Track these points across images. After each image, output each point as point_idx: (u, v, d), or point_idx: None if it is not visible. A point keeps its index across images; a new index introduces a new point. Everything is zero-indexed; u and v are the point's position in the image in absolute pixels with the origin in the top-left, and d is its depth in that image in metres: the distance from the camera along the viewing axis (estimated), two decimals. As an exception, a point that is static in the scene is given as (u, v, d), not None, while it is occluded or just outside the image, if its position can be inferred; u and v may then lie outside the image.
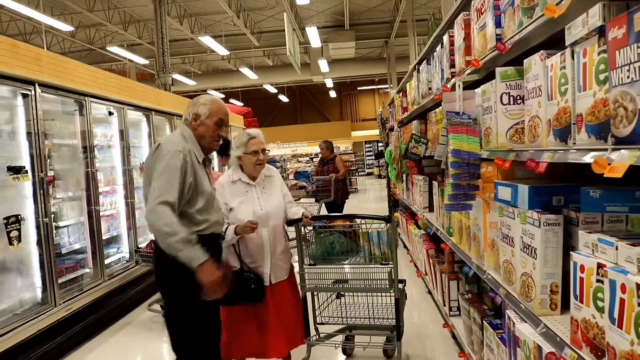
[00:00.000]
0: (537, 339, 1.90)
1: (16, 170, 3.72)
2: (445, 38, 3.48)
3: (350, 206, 10.63)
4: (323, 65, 18.25)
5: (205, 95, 2.70)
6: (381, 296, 3.47)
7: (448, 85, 3.35)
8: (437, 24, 4.36)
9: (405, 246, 7.02)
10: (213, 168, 7.28)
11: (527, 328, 2.02)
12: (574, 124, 1.65)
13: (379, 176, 24.38)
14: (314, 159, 20.83)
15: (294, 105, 31.09)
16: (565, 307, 1.84)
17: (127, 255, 5.61)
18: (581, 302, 1.55)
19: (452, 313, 3.83)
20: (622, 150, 1.34)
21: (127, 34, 15.68)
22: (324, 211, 7.83)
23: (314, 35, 14.13)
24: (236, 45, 18.35)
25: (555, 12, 1.68)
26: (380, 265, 3.25)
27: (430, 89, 4.32)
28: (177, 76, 18.67)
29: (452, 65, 3.33)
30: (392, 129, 7.57)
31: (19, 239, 3.70)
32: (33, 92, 3.91)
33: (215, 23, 16.35)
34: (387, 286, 3.22)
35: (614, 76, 1.37)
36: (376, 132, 21.52)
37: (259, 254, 3.06)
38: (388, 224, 3.19)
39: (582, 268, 1.54)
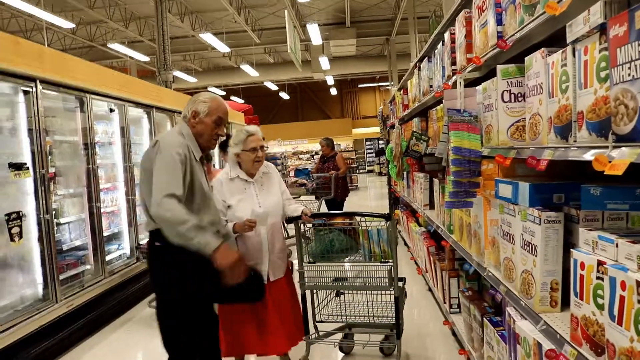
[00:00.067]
0: (537, 336, 1.90)
1: (17, 167, 3.72)
2: (447, 35, 3.48)
3: (351, 204, 10.65)
4: (324, 62, 18.23)
5: (205, 92, 2.67)
6: (381, 294, 3.46)
7: (449, 83, 3.35)
8: (438, 21, 4.36)
9: (405, 243, 7.02)
10: (214, 165, 7.28)
11: (527, 325, 2.02)
12: (574, 121, 1.65)
13: (380, 174, 24.37)
14: (315, 157, 20.83)
15: (295, 102, 31.08)
16: (566, 304, 1.84)
17: (128, 252, 5.63)
18: (581, 299, 1.56)
19: (453, 310, 3.83)
20: (623, 148, 1.34)
21: (128, 31, 15.66)
22: (324, 208, 7.83)
23: (314, 33, 14.11)
24: (237, 43, 18.34)
25: (557, 9, 1.68)
26: (380, 263, 3.25)
27: (431, 86, 4.32)
28: (178, 73, 18.66)
29: (453, 63, 3.32)
30: (393, 127, 7.57)
31: (20, 235, 3.70)
32: (34, 89, 3.91)
33: (216, 20, 16.33)
34: (387, 284, 3.21)
35: (615, 74, 1.37)
36: (377, 129, 21.52)
37: (258, 252, 3.06)
38: (388, 222, 3.18)
39: (583, 265, 1.54)
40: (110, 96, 5.13)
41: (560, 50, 1.76)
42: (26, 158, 3.88)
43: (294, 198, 3.48)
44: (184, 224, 2.22)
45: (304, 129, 28.26)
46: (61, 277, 4.22)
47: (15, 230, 3.65)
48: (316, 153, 21.43)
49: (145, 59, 17.58)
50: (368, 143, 29.51)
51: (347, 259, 3.37)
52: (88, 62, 4.84)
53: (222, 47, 15.48)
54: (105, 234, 5.06)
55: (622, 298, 1.32)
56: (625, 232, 1.54)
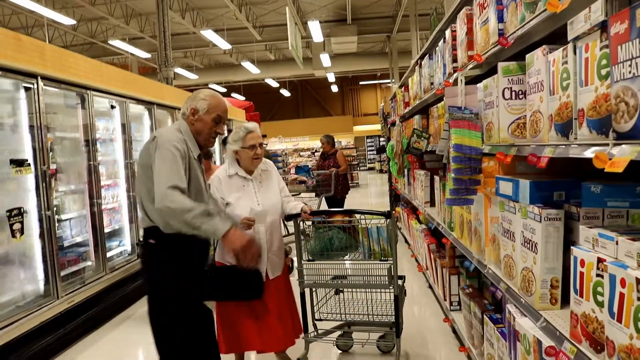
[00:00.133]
0: (537, 333, 1.91)
1: (19, 163, 3.73)
2: (448, 33, 3.47)
3: (352, 201, 10.65)
4: (325, 59, 18.21)
5: (205, 89, 2.65)
6: (380, 292, 3.45)
7: (450, 80, 3.35)
8: (440, 18, 4.36)
9: (406, 241, 7.03)
10: (215, 162, 7.28)
11: (527, 322, 2.03)
12: (575, 119, 1.65)
13: (381, 171, 24.38)
14: (316, 154, 20.82)
15: (296, 99, 31.06)
16: (565, 301, 1.85)
17: (129, 249, 5.64)
18: (581, 296, 1.56)
19: (453, 307, 3.84)
20: (623, 146, 1.34)
21: (129, 28, 15.64)
22: (324, 206, 7.83)
23: (316, 30, 14.08)
24: (238, 39, 18.31)
25: (558, 7, 1.68)
26: (379, 261, 3.23)
27: (432, 83, 4.32)
28: (179, 70, 18.65)
29: (455, 60, 3.32)
30: (394, 124, 7.57)
31: (21, 231, 3.71)
32: (36, 86, 3.92)
33: (217, 17, 16.31)
34: (387, 282, 3.20)
35: (615, 71, 1.37)
36: (378, 126, 21.49)
37: None
38: (388, 220, 3.17)
39: (583, 263, 1.54)
40: (111, 93, 5.13)
41: (561, 48, 1.76)
42: (27, 154, 3.88)
43: (294, 195, 3.47)
44: (190, 212, 2.20)
45: (305, 126, 28.26)
46: (62, 273, 4.23)
47: (16, 226, 3.66)
48: (317, 150, 21.43)
49: (146, 55, 17.56)
50: (369, 140, 29.50)
51: (346, 256, 3.35)
52: (89, 59, 4.84)
53: (223, 44, 15.47)
54: (106, 230, 5.07)
55: (621, 295, 1.33)
56: (625, 229, 1.54)
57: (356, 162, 23.13)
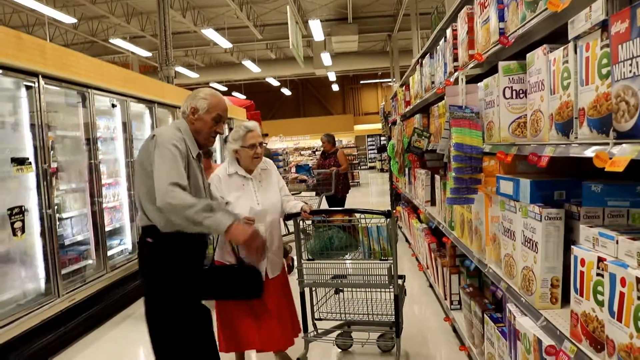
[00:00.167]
0: (537, 332, 1.91)
1: (20, 162, 3.73)
2: (449, 32, 3.47)
3: (352, 200, 10.64)
4: (326, 58, 18.20)
5: (205, 88, 2.63)
6: (380, 292, 3.44)
7: (451, 79, 3.35)
8: (441, 17, 4.35)
9: (407, 240, 7.03)
10: (215, 161, 7.29)
11: (528, 321, 2.03)
12: (576, 118, 1.65)
13: (381, 170, 24.37)
14: (316, 153, 20.82)
15: (297, 98, 31.05)
16: (566, 300, 1.85)
17: (130, 247, 5.64)
18: (581, 295, 1.56)
19: (453, 307, 3.84)
20: (624, 145, 1.34)
21: (129, 27, 15.64)
22: (324, 205, 7.83)
23: (317, 29, 14.07)
24: (239, 38, 18.30)
25: (559, 6, 1.68)
26: (379, 261, 3.23)
27: (433, 82, 4.32)
28: (179, 69, 18.64)
29: (455, 59, 3.32)
30: (394, 123, 7.57)
31: (22, 230, 3.72)
32: (37, 84, 3.92)
33: (218, 16, 16.30)
34: (387, 282, 3.19)
35: (616, 70, 1.37)
36: (379, 125, 21.45)
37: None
38: (388, 219, 3.16)
39: (583, 262, 1.54)
40: (112, 91, 5.13)
41: (562, 47, 1.76)
42: (28, 153, 3.88)
43: (294, 194, 3.47)
44: (192, 208, 2.20)
45: (306, 125, 28.25)
46: (63, 271, 4.23)
47: (17, 224, 3.67)
48: (318, 149, 21.43)
49: (147, 54, 17.56)
50: (370, 139, 29.49)
51: (346, 256, 3.35)
52: (90, 58, 4.84)
53: (224, 43, 15.46)
54: (107, 229, 5.07)
55: (622, 294, 1.33)
56: (625, 229, 1.54)
57: (357, 161, 23.12)
